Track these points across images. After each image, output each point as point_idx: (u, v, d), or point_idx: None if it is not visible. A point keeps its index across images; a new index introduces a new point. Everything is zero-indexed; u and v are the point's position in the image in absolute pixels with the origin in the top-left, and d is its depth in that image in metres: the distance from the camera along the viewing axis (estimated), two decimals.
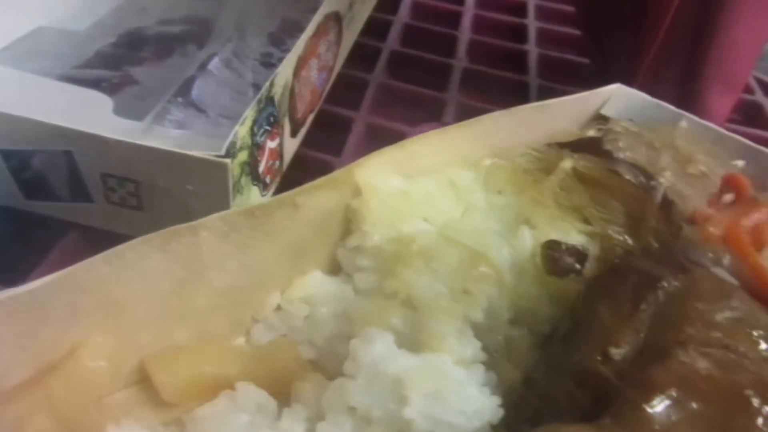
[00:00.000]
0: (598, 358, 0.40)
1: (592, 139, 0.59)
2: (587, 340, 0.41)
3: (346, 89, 0.86)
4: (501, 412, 0.40)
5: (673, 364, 0.38)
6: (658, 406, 0.36)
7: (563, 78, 0.96)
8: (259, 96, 0.60)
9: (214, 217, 0.46)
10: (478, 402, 0.41)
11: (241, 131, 0.57)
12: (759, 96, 0.98)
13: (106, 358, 0.44)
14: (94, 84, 0.74)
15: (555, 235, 0.52)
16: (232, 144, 0.55)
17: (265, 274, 0.51)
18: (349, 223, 0.54)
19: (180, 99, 0.73)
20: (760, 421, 0.36)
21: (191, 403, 0.45)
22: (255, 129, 0.60)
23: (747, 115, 0.95)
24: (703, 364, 0.38)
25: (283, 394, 0.48)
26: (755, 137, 0.89)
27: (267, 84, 0.61)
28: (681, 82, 0.76)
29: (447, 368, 0.42)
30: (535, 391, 0.41)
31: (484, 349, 0.48)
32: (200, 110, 0.72)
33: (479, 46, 1.04)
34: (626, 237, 0.54)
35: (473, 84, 0.94)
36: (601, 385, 0.38)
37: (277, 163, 0.67)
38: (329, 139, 0.78)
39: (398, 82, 0.92)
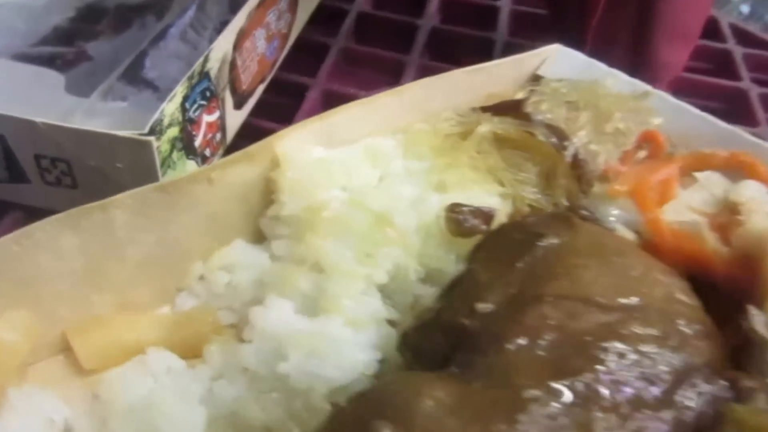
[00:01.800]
0: (465, 312, 0.45)
1: (514, 102, 0.63)
2: (459, 296, 0.46)
3: (304, 55, 0.90)
4: (375, 366, 0.46)
5: (527, 317, 0.42)
6: (501, 354, 0.41)
7: (534, 34, 0.98)
8: (190, 72, 0.65)
9: (124, 195, 0.52)
10: (355, 358, 0.46)
11: (169, 108, 0.62)
12: (731, 44, 1.00)
13: (22, 331, 0.50)
14: (49, 61, 0.81)
15: (466, 198, 0.57)
16: (158, 122, 0.60)
17: (186, 246, 0.57)
18: (270, 194, 0.60)
19: (130, 74, 0.78)
20: (594, 365, 0.41)
21: (110, 369, 0.52)
22: (187, 105, 0.65)
23: (717, 64, 0.97)
24: (556, 316, 0.43)
25: (200, 359, 0.54)
26: (723, 87, 0.92)
27: (200, 59, 0.67)
28: (633, 36, 0.78)
29: (332, 329, 0.48)
30: (409, 346, 0.46)
31: (396, 307, 0.54)
32: (149, 85, 0.78)
33: (451, 4, 1.06)
34: (538, 197, 0.58)
35: (440, 44, 0.97)
36: (462, 336, 0.43)
37: (218, 135, 0.73)
38: (282, 108, 0.82)
39: (363, 47, 0.96)
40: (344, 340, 0.47)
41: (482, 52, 0.95)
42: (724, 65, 0.97)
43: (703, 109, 0.66)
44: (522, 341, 0.41)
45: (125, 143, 0.59)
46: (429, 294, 0.54)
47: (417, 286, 0.55)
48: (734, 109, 0.90)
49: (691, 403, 0.46)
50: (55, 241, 0.50)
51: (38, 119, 0.60)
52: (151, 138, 0.59)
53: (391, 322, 0.53)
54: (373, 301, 0.53)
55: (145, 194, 0.53)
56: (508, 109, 0.62)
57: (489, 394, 0.40)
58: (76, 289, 0.53)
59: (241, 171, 0.57)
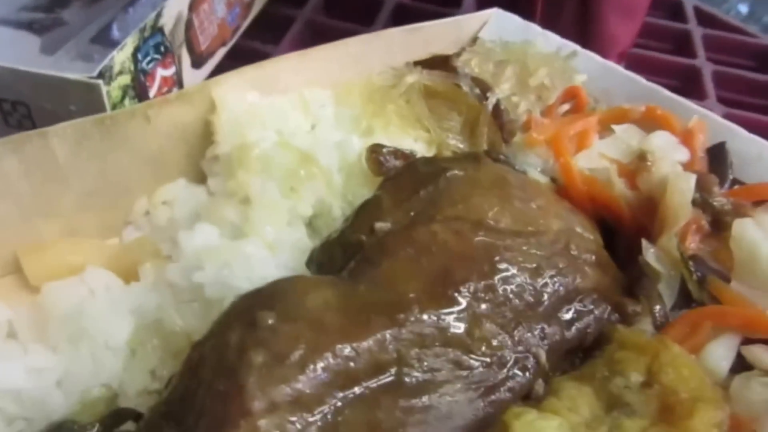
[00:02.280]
0: (365, 231, 0.49)
1: (444, 57, 0.67)
2: (361, 217, 0.50)
3: (269, 26, 0.95)
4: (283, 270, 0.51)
5: (417, 232, 0.46)
6: (388, 263, 0.45)
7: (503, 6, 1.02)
8: (141, 25, 0.70)
9: (64, 125, 0.57)
10: (266, 272, 0.50)
11: (120, 57, 0.67)
12: (692, 25, 1.03)
13: None
14: (27, 26, 0.86)
15: (390, 142, 0.61)
16: (108, 68, 0.65)
17: (130, 181, 0.62)
18: (210, 137, 0.64)
19: (98, 37, 0.83)
20: (479, 278, 0.45)
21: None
22: (139, 56, 0.70)
23: (676, 43, 1.01)
24: (444, 234, 0.47)
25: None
26: (678, 64, 0.96)
27: (152, 14, 0.72)
28: (580, 9, 0.82)
29: (247, 248, 0.53)
30: (314, 262, 0.51)
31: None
32: (115, 46, 0.83)
33: None
34: (460, 143, 0.63)
35: (404, 20, 1.01)
36: (358, 250, 0.47)
37: (175, 90, 0.78)
38: None
39: (329, 19, 1.01)
40: (257, 257, 0.52)
41: None
42: (683, 44, 1.01)
43: (657, 84, 0.69)
44: (409, 252, 0.46)
45: (76, 86, 0.64)
46: None
47: (341, 222, 0.59)
48: (687, 85, 0.93)
49: (575, 321, 0.49)
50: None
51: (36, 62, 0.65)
52: (99, 81, 0.64)
53: None
54: (297, 231, 0.57)
55: (84, 126, 0.57)
56: (438, 63, 0.67)
57: (373, 296, 0.44)
58: (23, 213, 0.57)
59: (178, 112, 0.62)
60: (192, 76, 0.81)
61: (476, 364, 0.43)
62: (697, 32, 1.02)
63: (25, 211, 0.58)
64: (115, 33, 0.85)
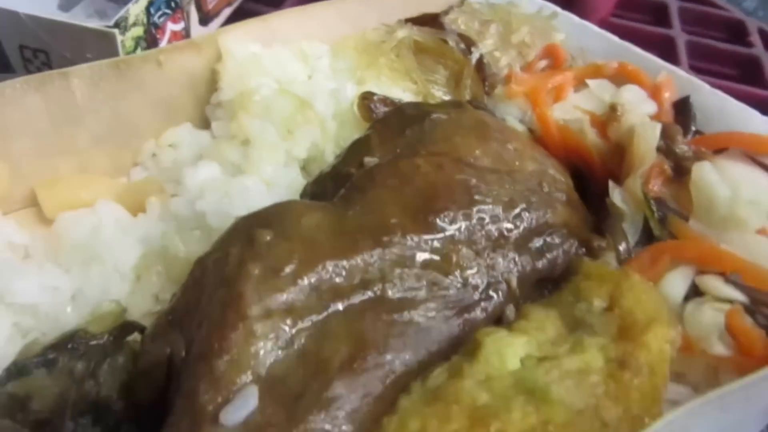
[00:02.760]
0: (355, 165, 0.50)
1: (432, 15, 0.68)
2: (351, 153, 0.52)
3: None
4: None
5: (401, 164, 0.47)
6: (374, 191, 0.46)
7: None
8: None
9: (83, 66, 0.57)
10: (263, 202, 0.51)
11: (135, 9, 0.67)
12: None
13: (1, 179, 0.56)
14: None
15: (380, 92, 0.62)
16: (123, 18, 0.66)
17: (139, 124, 0.62)
18: (215, 85, 0.65)
19: None
20: (457, 208, 0.46)
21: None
22: (152, 10, 0.70)
23: (654, 15, 1.01)
24: (427, 166, 0.48)
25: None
26: (654, 34, 0.97)
27: None
28: None
29: (246, 182, 0.54)
30: (307, 194, 0.52)
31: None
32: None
33: None
34: (445, 95, 0.64)
35: None
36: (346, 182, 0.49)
37: None
38: None
39: None
40: (255, 190, 0.53)
41: None
42: (660, 17, 1.02)
43: None
44: (394, 181, 0.46)
45: (93, 34, 0.64)
46: None
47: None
48: (661, 53, 0.94)
49: (545, 253, 0.51)
50: (22, 99, 0.54)
51: (22, 11, 0.66)
52: (115, 30, 0.64)
53: None
54: (292, 172, 0.58)
55: (101, 68, 0.57)
56: (427, 20, 0.67)
57: (360, 219, 0.44)
58: (41, 150, 0.57)
59: (188, 59, 0.62)
60: (199, 33, 0.81)
61: (452, 285, 0.44)
62: (673, 5, 1.02)
63: (44, 147, 0.58)
64: None
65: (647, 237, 0.53)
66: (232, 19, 0.86)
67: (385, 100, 0.59)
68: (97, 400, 0.42)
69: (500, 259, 0.48)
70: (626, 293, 0.46)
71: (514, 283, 0.47)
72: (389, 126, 0.53)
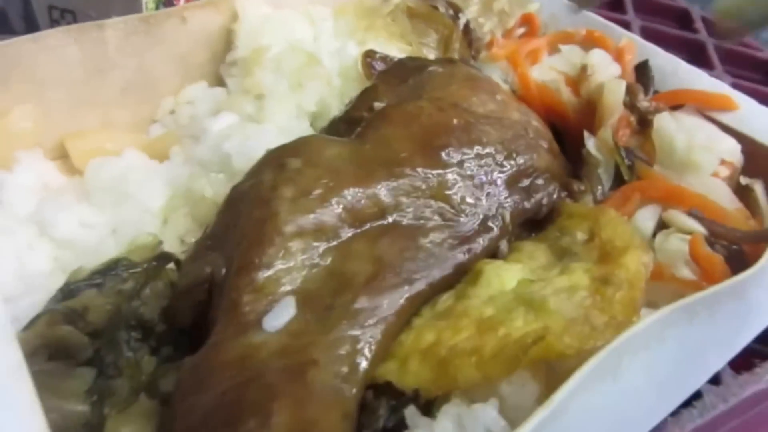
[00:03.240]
0: (365, 109, 0.50)
1: None
2: (360, 99, 0.51)
3: None
4: None
5: (408, 105, 0.47)
6: (385, 128, 0.46)
7: None
8: None
9: (117, 19, 0.55)
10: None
11: None
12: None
13: (32, 122, 0.53)
14: None
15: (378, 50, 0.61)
16: None
17: (159, 80, 0.60)
18: (230, 45, 0.64)
19: None
20: (458, 145, 0.46)
21: None
22: None
23: (611, 5, 1.02)
24: (429, 108, 0.47)
25: None
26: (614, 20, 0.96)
27: None
28: None
29: (265, 128, 0.53)
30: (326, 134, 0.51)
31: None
32: None
33: None
34: (436, 56, 0.63)
35: None
36: (358, 124, 0.48)
37: None
38: None
39: None
40: (273, 135, 0.52)
41: None
42: (616, 5, 1.02)
43: None
44: (403, 120, 0.46)
45: None
46: None
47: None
48: None
49: (532, 194, 0.51)
50: (62, 48, 0.52)
51: None
52: None
53: None
54: (303, 124, 0.57)
55: (132, 21, 0.55)
56: None
57: (375, 152, 0.44)
58: (72, 100, 0.55)
59: (207, 17, 0.60)
60: None
61: (456, 215, 0.45)
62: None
63: (74, 98, 0.56)
64: None
65: (619, 182, 0.54)
66: None
67: (385, 59, 0.58)
68: (143, 320, 0.41)
69: (495, 195, 0.48)
70: (605, 226, 0.47)
71: (507, 217, 0.48)
72: (393, 76, 0.53)
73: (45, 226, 0.46)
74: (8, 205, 0.47)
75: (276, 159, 0.42)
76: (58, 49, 0.53)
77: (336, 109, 0.59)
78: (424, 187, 0.44)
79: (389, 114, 0.46)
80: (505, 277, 0.43)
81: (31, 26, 0.67)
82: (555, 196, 0.52)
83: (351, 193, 0.41)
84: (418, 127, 0.45)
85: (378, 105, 0.49)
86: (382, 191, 0.42)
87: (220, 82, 0.64)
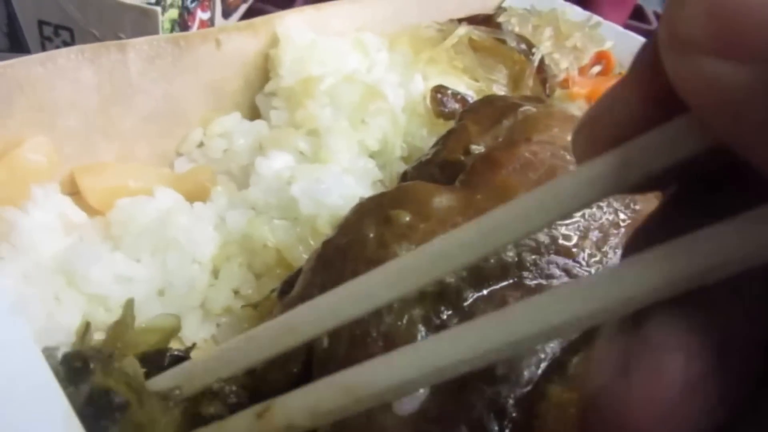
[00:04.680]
0: (461, 152, 0.48)
1: (486, 15, 0.67)
2: (453, 141, 0.49)
3: None
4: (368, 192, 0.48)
5: (520, 149, 0.46)
6: (499, 176, 0.44)
7: None
8: None
9: (141, 40, 0.52)
10: (354, 192, 0.48)
11: None
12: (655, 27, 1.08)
13: (45, 155, 0.50)
14: None
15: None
16: None
17: (188, 108, 0.58)
18: (267, 73, 0.61)
19: None
20: None
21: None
22: None
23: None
24: (543, 153, 0.46)
25: None
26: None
27: None
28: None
29: (332, 169, 0.50)
30: (408, 180, 0.49)
31: (381, 182, 0.57)
32: None
33: None
34: (507, 93, 0.62)
35: None
36: (459, 170, 0.46)
37: None
38: None
39: None
40: (343, 178, 0.49)
41: None
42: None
43: None
44: (516, 167, 0.45)
45: (132, 11, 0.59)
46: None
47: (399, 163, 0.58)
48: None
49: None
50: (75, 71, 0.50)
51: None
52: (158, 8, 0.59)
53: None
54: (367, 162, 0.55)
55: (159, 43, 0.53)
56: (482, 20, 0.66)
57: (489, 203, 0.43)
58: (86, 128, 0.52)
59: (244, 40, 0.58)
60: (221, 24, 0.77)
61: (582, 271, 0.43)
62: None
63: (89, 126, 0.53)
64: None
65: None
66: (246, 16, 0.82)
67: (456, 96, 0.57)
68: None
69: (620, 244, 0.46)
70: None
71: None
72: (482, 116, 0.51)
73: (75, 278, 0.42)
74: (27, 249, 0.43)
75: (379, 211, 0.39)
76: (70, 71, 0.50)
77: (399, 147, 0.58)
78: (547, 241, 0.42)
79: (498, 159, 0.44)
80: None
81: (16, 44, 0.63)
82: None
83: None
84: (534, 175, 0.44)
85: (475, 148, 0.47)
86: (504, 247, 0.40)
87: (253, 112, 0.62)
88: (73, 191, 0.53)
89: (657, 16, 1.12)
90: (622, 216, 0.48)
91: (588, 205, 0.22)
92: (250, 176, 0.56)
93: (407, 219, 0.39)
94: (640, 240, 0.20)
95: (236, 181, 0.57)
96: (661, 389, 0.17)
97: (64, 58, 0.49)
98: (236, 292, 0.48)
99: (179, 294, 0.44)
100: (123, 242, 0.47)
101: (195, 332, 0.46)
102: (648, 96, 0.19)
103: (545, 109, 0.53)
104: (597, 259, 0.44)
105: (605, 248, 0.45)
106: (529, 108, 0.52)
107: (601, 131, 0.21)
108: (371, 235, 0.39)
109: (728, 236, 0.17)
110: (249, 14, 0.84)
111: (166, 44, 0.53)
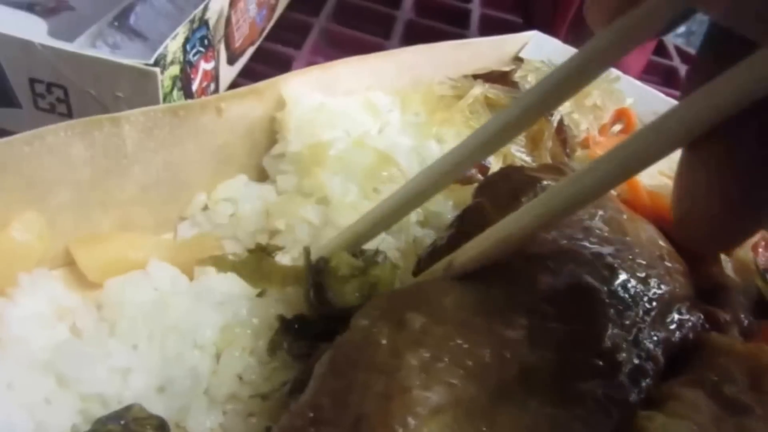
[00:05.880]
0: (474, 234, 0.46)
1: (502, 72, 0.66)
2: (470, 223, 0.48)
3: (288, 30, 0.91)
4: None
5: (537, 238, 0.44)
6: (514, 261, 0.42)
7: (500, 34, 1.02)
8: (192, 16, 0.64)
9: (136, 112, 0.51)
10: None
11: (173, 46, 0.61)
12: (677, 62, 1.07)
13: (36, 234, 0.49)
14: (28, 8, 0.78)
15: None
16: (162, 56, 0.60)
17: (191, 175, 0.57)
18: (274, 134, 0.60)
19: (116, 23, 0.77)
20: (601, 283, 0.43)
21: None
22: (187, 47, 0.65)
23: (665, 77, 1.03)
24: (562, 240, 0.45)
25: None
26: (669, 95, 0.98)
27: (201, 6, 0.66)
28: None
29: None
30: (423, 269, 0.47)
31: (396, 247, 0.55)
32: (137, 35, 0.77)
33: (425, 1, 1.09)
34: (525, 155, 0.61)
35: (415, 35, 0.99)
36: None
37: (212, 85, 0.72)
38: (269, 73, 0.83)
39: (341, 27, 0.97)
40: None
41: None
42: (669, 79, 1.04)
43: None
44: (533, 255, 0.43)
45: (130, 72, 0.58)
46: (426, 236, 0.55)
47: (416, 228, 0.56)
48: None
49: (678, 328, 0.48)
50: (65, 147, 0.49)
51: (36, 40, 0.58)
52: (157, 69, 0.58)
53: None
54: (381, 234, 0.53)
55: (156, 114, 0.52)
56: (498, 78, 0.65)
57: (507, 298, 0.41)
58: (80, 202, 0.51)
59: (248, 106, 0.57)
60: (227, 72, 0.76)
61: (605, 364, 0.41)
62: (681, 69, 1.06)
63: (83, 200, 0.52)
64: (135, 23, 0.79)
65: (760, 309, 0.52)
66: (254, 60, 0.81)
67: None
68: None
69: (645, 338, 0.45)
70: None
71: (661, 359, 0.44)
72: (499, 193, 0.50)
73: (67, 379, 0.41)
74: (14, 345, 0.42)
75: (391, 313, 0.38)
76: (60, 147, 0.49)
77: (414, 214, 0.56)
78: (570, 337, 0.40)
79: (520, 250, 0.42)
80: None
81: (6, 101, 0.62)
82: (699, 328, 0.49)
83: (489, 355, 0.37)
84: (554, 265, 0.42)
85: None
86: (524, 348, 0.38)
87: (261, 174, 0.62)
88: (69, 261, 0.53)
89: (678, 50, 1.11)
90: (646, 300, 0.46)
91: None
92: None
93: (421, 322, 0.38)
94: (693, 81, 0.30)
95: (242, 247, 0.56)
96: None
97: (52, 135, 0.48)
98: (240, 378, 0.46)
99: (183, 386, 0.43)
100: (118, 327, 0.46)
101: (202, 422, 0.45)
102: None
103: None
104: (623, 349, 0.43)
105: (630, 337, 0.44)
106: (549, 182, 0.51)
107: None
108: (384, 341, 0.37)
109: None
110: (257, 55, 0.84)
111: (164, 115, 0.52)
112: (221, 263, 0.52)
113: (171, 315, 0.45)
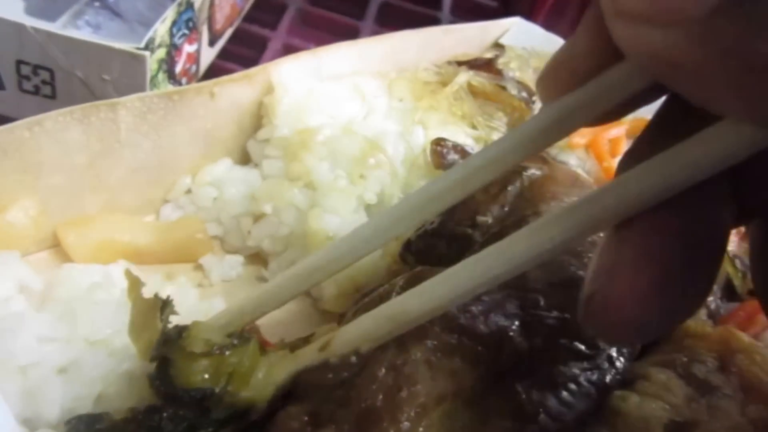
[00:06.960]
0: (468, 224, 0.49)
1: (487, 60, 0.69)
2: (460, 211, 0.50)
3: (264, 11, 0.92)
4: None
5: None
6: None
7: (473, 17, 1.04)
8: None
9: (133, 97, 0.53)
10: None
11: (161, 29, 0.63)
12: None
13: (30, 218, 0.51)
14: None
15: (444, 136, 0.61)
16: (152, 39, 0.61)
17: (177, 158, 0.59)
18: (260, 119, 0.62)
19: (96, 2, 0.77)
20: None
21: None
22: (174, 30, 0.66)
23: None
24: None
25: (186, 264, 0.57)
26: None
27: None
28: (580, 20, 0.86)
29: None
30: (412, 251, 0.50)
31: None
32: (116, 14, 0.77)
33: None
34: None
35: (389, 16, 1.01)
36: (467, 243, 0.47)
37: (194, 67, 0.73)
38: (245, 53, 0.85)
39: (317, 8, 0.99)
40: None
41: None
42: None
43: None
44: None
45: (120, 56, 0.59)
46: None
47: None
48: None
49: None
50: (63, 133, 0.50)
51: (27, 23, 0.59)
52: (147, 53, 0.59)
53: None
54: (362, 217, 0.56)
55: (151, 99, 0.54)
56: (482, 65, 0.67)
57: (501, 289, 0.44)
58: (72, 185, 0.53)
59: (239, 91, 0.59)
60: (207, 54, 0.77)
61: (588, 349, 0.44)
62: None
63: (75, 184, 0.54)
64: (114, 3, 0.79)
65: (729, 293, 0.55)
66: (232, 41, 0.83)
67: (455, 147, 0.58)
68: None
69: None
70: (738, 353, 0.48)
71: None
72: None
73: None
74: None
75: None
76: (57, 133, 0.51)
77: (396, 198, 0.58)
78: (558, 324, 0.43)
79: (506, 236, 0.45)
80: (650, 421, 0.43)
81: None
82: None
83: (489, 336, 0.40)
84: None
85: (482, 219, 0.48)
86: (517, 336, 0.41)
87: (244, 157, 0.63)
88: (56, 243, 0.55)
89: None
90: None
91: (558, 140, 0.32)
92: (241, 228, 0.57)
93: None
94: (630, 159, 0.28)
95: (226, 233, 0.59)
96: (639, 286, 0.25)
97: (51, 120, 0.49)
98: None
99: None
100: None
101: None
102: (596, 47, 0.27)
103: (550, 171, 0.54)
104: None
105: None
106: (534, 172, 0.54)
107: (562, 76, 0.29)
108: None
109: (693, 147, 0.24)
110: (235, 37, 0.85)
111: (158, 100, 0.54)
112: None
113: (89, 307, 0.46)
